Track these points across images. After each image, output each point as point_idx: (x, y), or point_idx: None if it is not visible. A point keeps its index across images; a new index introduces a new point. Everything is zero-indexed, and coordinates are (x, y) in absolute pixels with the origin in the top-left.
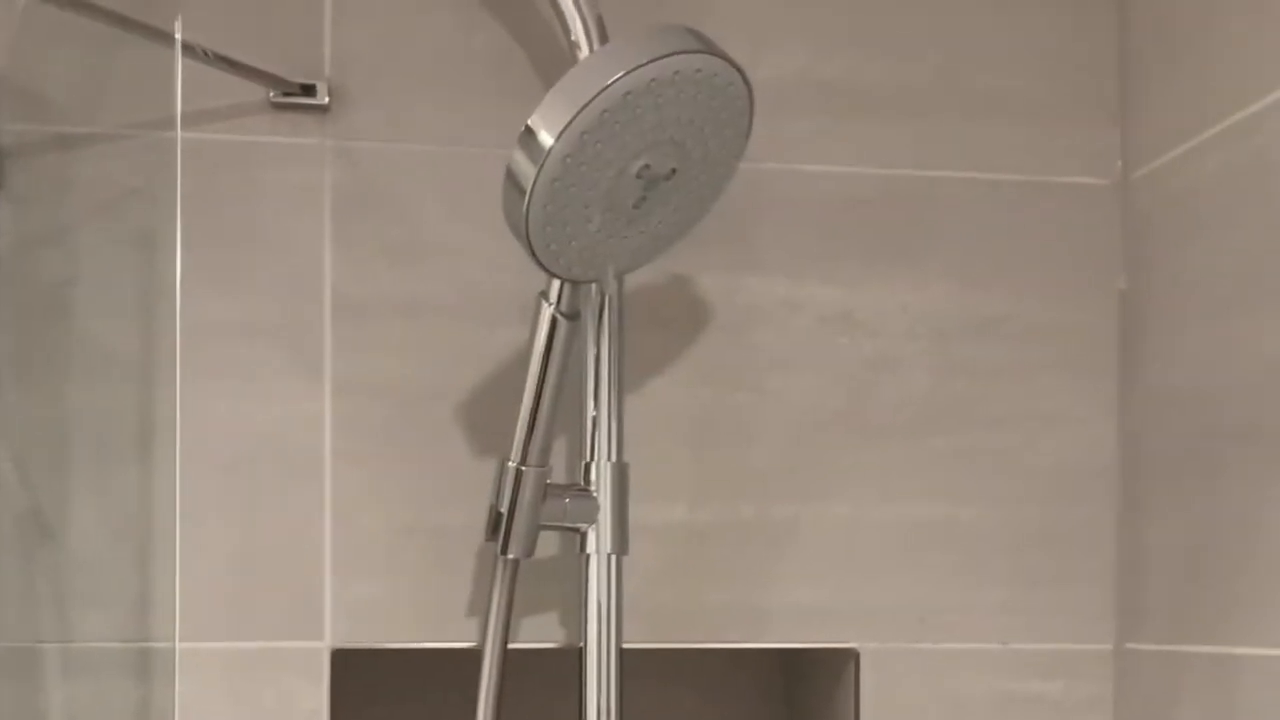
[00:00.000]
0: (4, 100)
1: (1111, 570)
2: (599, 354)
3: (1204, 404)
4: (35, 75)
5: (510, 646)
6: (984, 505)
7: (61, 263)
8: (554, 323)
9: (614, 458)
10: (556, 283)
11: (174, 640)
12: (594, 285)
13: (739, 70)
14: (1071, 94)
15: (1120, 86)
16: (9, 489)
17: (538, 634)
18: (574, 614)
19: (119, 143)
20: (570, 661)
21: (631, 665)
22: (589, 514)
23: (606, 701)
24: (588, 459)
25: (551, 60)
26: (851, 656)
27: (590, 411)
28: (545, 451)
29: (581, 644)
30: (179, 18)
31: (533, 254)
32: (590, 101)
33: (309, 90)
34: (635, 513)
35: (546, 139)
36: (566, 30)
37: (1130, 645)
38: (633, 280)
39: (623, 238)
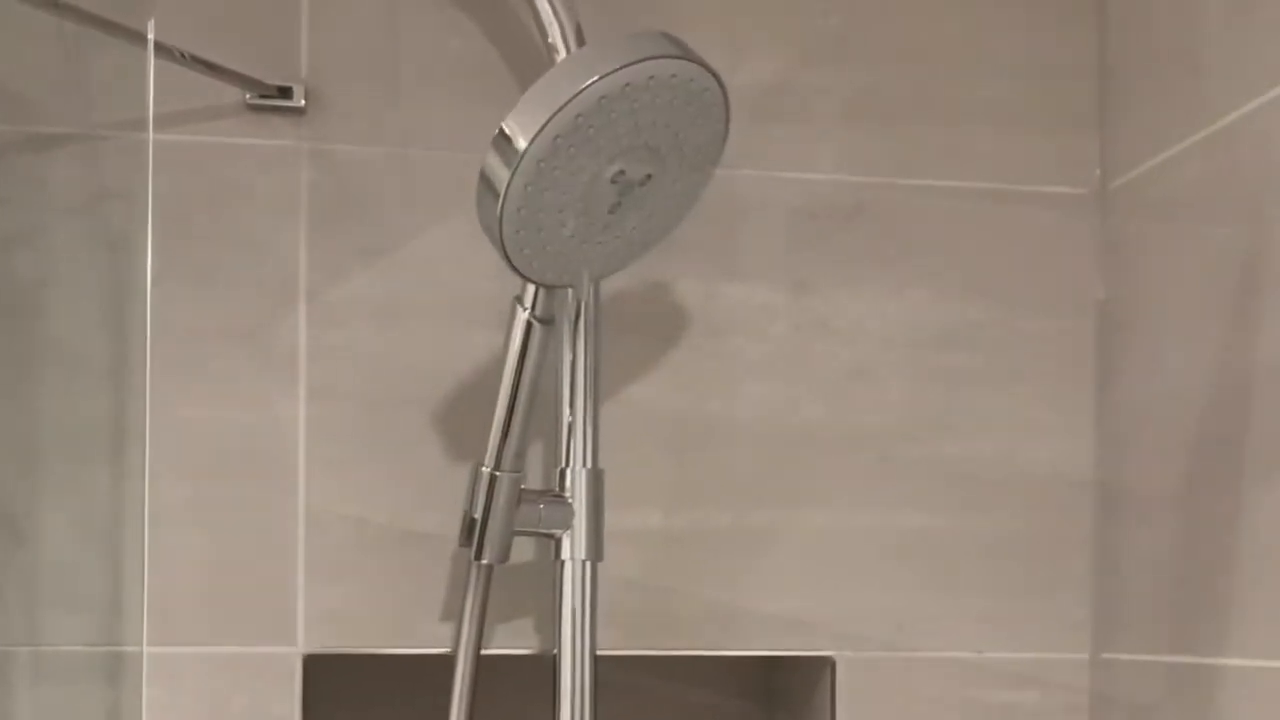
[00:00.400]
0: None
1: (1089, 579)
2: (574, 359)
3: (1181, 413)
4: (7, 75)
5: (484, 652)
6: (961, 514)
7: (33, 264)
8: (529, 328)
9: (589, 464)
10: (531, 287)
11: (142, 645)
12: (569, 290)
13: (715, 76)
14: (1050, 103)
15: (1099, 96)
16: None
17: (512, 640)
18: (548, 620)
19: (92, 144)
20: (544, 668)
21: (606, 672)
22: (564, 520)
23: (580, 708)
24: (563, 465)
25: (529, 64)
26: (828, 664)
27: (565, 417)
28: (520, 457)
29: (556, 650)
30: (152, 19)
31: (507, 258)
32: (564, 105)
33: (285, 93)
34: (610, 519)
35: (520, 142)
36: (544, 34)
37: (1106, 655)
38: (609, 285)
39: (598, 243)
